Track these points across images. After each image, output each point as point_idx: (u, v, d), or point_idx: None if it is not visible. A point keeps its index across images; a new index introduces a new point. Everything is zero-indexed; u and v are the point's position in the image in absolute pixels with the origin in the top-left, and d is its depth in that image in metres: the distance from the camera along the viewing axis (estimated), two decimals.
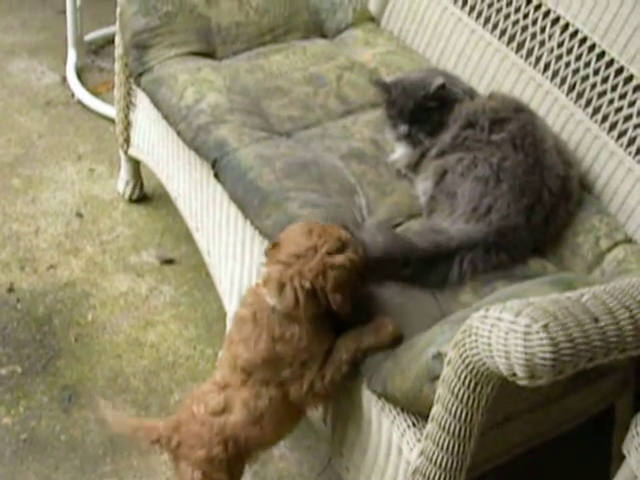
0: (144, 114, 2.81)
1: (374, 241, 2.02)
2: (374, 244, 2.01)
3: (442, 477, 1.74)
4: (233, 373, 1.92)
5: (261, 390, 1.88)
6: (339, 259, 1.82)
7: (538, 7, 2.45)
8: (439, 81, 2.26)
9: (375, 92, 2.46)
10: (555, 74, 2.40)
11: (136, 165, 3.06)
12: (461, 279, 2.04)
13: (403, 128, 2.29)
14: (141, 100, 2.80)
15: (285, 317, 1.85)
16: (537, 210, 2.13)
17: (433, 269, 2.03)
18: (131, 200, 3.12)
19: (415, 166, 2.29)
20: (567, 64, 2.37)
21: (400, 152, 2.32)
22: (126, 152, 3.02)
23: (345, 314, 1.85)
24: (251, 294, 1.95)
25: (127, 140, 2.98)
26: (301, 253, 1.83)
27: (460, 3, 2.65)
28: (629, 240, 2.16)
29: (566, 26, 2.38)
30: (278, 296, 1.84)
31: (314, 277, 1.81)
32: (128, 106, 2.90)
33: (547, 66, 2.41)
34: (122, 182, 3.12)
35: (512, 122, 2.20)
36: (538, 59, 2.44)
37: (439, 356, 1.74)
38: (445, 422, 1.68)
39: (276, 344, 1.85)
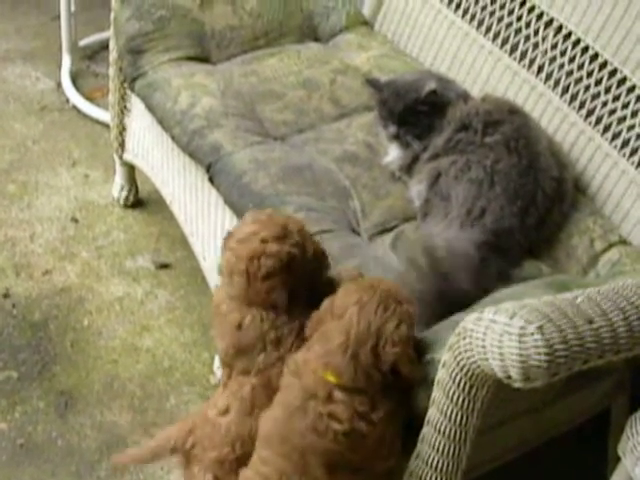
0: (139, 119, 2.81)
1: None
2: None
3: (438, 479, 1.74)
4: (222, 369, 1.95)
5: (243, 380, 1.88)
6: (272, 247, 1.83)
7: (531, 9, 2.46)
8: (431, 86, 2.26)
9: (368, 93, 2.47)
10: (549, 76, 2.40)
11: (131, 170, 3.06)
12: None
13: (392, 129, 2.30)
14: (136, 105, 2.80)
15: (241, 303, 1.87)
16: (531, 212, 2.13)
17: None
18: (126, 205, 3.12)
19: (409, 169, 2.29)
20: (561, 66, 2.38)
21: (393, 154, 2.32)
22: (121, 157, 3.02)
23: (280, 304, 1.85)
24: (216, 289, 1.97)
25: (122, 145, 2.98)
26: (243, 238, 1.86)
27: (453, 6, 2.65)
28: (623, 242, 2.16)
29: (559, 28, 2.38)
30: (230, 283, 1.86)
31: (249, 260, 1.82)
32: (123, 111, 2.90)
33: (541, 68, 2.42)
34: (117, 187, 3.11)
35: (506, 124, 2.21)
36: (532, 61, 2.44)
37: (433, 362, 1.74)
38: (440, 425, 1.69)
39: (238, 331, 1.86)
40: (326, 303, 1.77)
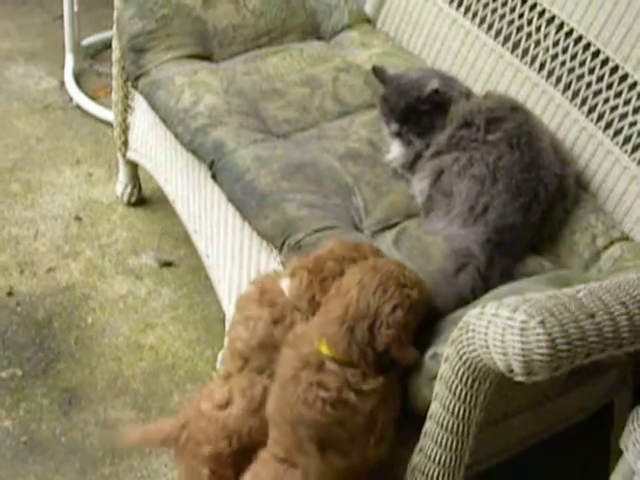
0: (142, 117, 2.82)
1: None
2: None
3: (440, 474, 1.75)
4: (232, 359, 1.94)
5: (256, 378, 1.89)
6: (335, 262, 1.87)
7: (533, 7, 2.46)
8: (433, 85, 2.27)
9: (371, 89, 2.48)
10: (550, 73, 2.40)
11: (134, 168, 3.06)
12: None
13: (394, 127, 2.31)
14: (139, 103, 2.81)
15: (289, 302, 1.88)
16: (534, 209, 2.13)
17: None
18: (129, 203, 3.13)
19: (411, 166, 2.29)
20: (562, 63, 2.38)
21: (395, 151, 2.33)
22: (124, 155, 3.03)
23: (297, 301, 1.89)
24: (264, 276, 2.00)
25: (125, 143, 2.99)
26: (339, 244, 1.94)
27: (455, 4, 2.66)
28: (625, 238, 2.16)
29: (561, 25, 2.39)
30: (289, 281, 1.90)
31: (317, 258, 1.89)
32: (126, 109, 2.91)
33: (542, 65, 2.42)
34: (120, 185, 3.12)
35: (508, 121, 2.21)
36: (533, 58, 2.45)
37: (436, 357, 1.74)
38: (443, 419, 1.69)
39: (275, 327, 1.87)
40: (335, 285, 1.81)
